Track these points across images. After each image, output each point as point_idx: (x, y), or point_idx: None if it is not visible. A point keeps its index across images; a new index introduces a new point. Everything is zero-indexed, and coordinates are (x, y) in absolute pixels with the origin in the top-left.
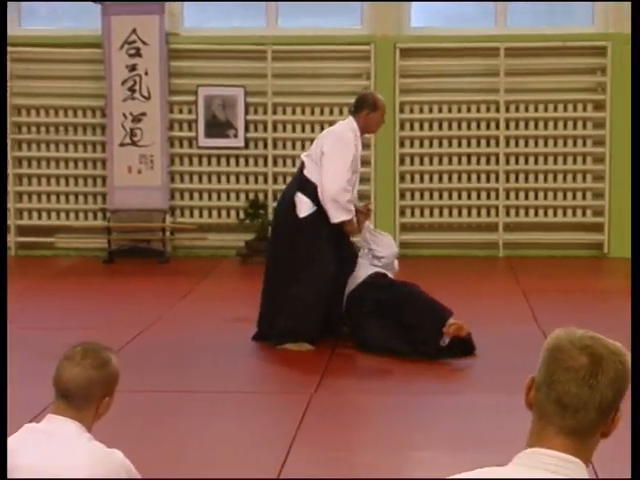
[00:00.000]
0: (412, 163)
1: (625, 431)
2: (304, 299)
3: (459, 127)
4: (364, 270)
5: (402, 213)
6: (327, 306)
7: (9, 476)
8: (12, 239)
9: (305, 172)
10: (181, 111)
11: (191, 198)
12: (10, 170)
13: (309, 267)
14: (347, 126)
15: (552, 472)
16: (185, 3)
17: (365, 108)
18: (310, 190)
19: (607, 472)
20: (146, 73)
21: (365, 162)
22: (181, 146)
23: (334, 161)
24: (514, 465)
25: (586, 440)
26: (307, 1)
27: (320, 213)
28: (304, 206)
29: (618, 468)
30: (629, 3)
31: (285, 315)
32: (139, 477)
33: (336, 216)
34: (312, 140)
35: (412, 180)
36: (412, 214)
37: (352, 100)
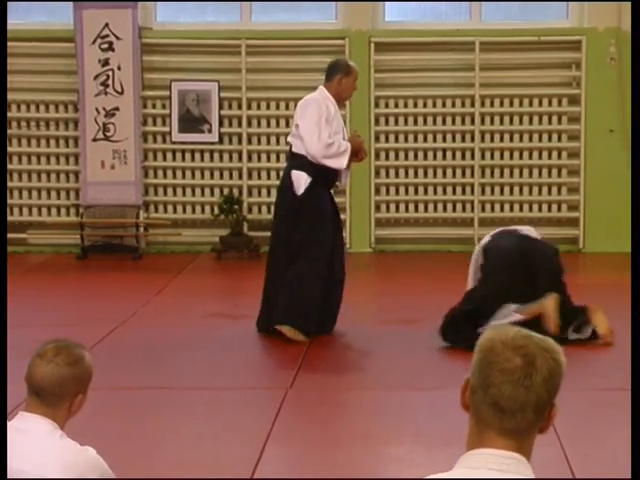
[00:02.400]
0: (387, 158)
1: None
2: (304, 278)
3: (434, 122)
4: None
5: (377, 208)
6: (326, 294)
7: None
8: None
9: (294, 149)
10: (154, 106)
11: (165, 193)
12: None
13: (310, 246)
14: (314, 94)
15: (499, 471)
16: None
17: (338, 73)
18: (302, 162)
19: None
20: (119, 68)
21: None
22: (155, 141)
23: (307, 124)
24: (459, 469)
25: (525, 438)
26: (280, 1)
27: (317, 183)
28: (301, 181)
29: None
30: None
31: (283, 294)
32: (112, 476)
33: (339, 164)
34: (287, 135)
35: (387, 175)
36: (387, 209)
37: None
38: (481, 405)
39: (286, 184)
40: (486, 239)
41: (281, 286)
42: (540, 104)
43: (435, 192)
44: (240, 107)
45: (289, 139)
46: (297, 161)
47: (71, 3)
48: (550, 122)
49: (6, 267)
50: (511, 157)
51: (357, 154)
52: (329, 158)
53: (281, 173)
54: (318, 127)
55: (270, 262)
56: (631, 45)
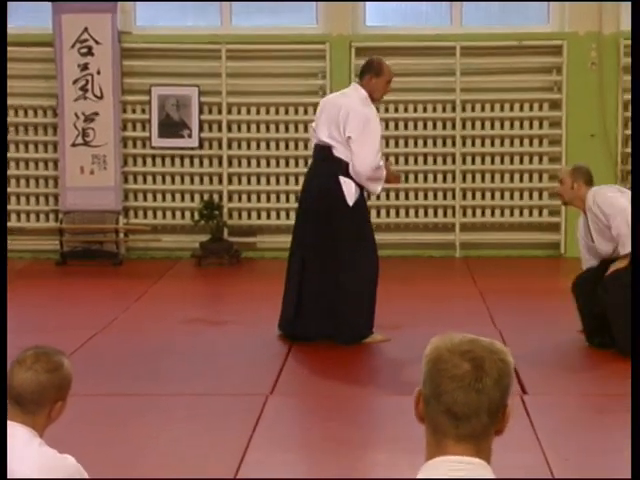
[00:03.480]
0: None
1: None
2: (365, 288)
3: (415, 127)
4: None
5: None
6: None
7: None
8: None
9: (335, 153)
10: (134, 111)
11: (145, 199)
12: None
13: (364, 254)
14: (359, 99)
15: (463, 475)
16: (138, 1)
17: (368, 73)
18: (346, 170)
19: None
20: (98, 72)
21: None
22: (134, 146)
23: (365, 144)
24: (421, 477)
25: (483, 442)
26: (260, 0)
27: (362, 193)
28: (351, 190)
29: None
30: (584, 2)
31: (350, 308)
32: None
33: (375, 189)
34: (267, 140)
35: None
36: None
37: (307, 100)
38: (436, 414)
39: (333, 190)
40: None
41: (322, 296)
42: (521, 109)
43: (416, 197)
44: (220, 112)
45: (326, 139)
46: (340, 167)
47: (50, 8)
48: (531, 127)
49: (6, 268)
50: (492, 162)
51: (394, 181)
52: (372, 181)
53: (261, 178)
54: (376, 149)
55: (299, 267)
56: (631, 46)
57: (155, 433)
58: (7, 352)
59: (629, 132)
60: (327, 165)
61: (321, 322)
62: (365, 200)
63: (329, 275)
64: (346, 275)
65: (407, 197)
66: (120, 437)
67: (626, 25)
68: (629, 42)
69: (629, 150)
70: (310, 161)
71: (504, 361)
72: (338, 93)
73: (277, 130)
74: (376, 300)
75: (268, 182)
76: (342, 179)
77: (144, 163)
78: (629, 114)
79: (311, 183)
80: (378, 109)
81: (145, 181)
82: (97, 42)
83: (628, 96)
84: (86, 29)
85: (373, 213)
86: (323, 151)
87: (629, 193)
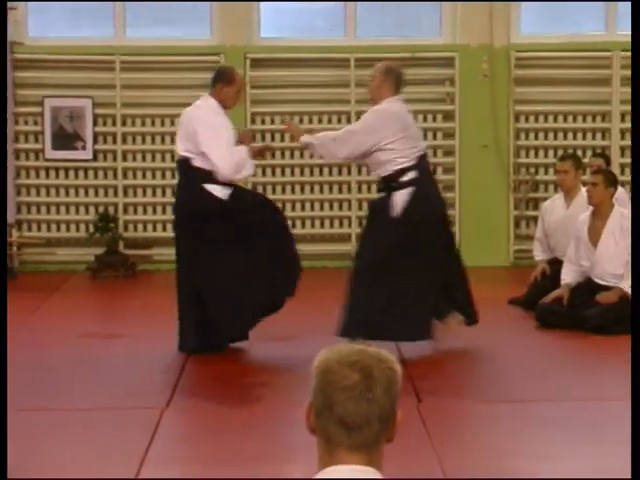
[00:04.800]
0: (264, 174)
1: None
2: (226, 294)
3: None
4: None
5: None
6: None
7: None
8: None
9: (194, 164)
10: (27, 123)
11: (38, 212)
12: None
13: (229, 260)
14: (209, 109)
15: None
16: (30, 10)
17: (220, 82)
18: (210, 177)
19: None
20: None
21: None
22: (27, 159)
23: (218, 149)
24: None
25: (374, 450)
26: (150, 1)
27: (238, 198)
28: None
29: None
30: (475, 15)
31: (215, 316)
32: None
33: (247, 173)
34: (163, 152)
35: (264, 191)
36: None
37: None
38: (328, 425)
39: (198, 200)
40: None
41: (206, 309)
42: (415, 120)
43: (312, 208)
44: (115, 124)
45: (183, 153)
46: (203, 176)
47: None
48: (425, 138)
49: (6, 268)
50: None
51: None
52: (239, 172)
53: (157, 190)
54: (226, 148)
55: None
56: (631, 48)
57: (44, 449)
58: (6, 352)
59: (520, 143)
60: (189, 176)
61: (197, 332)
62: (239, 206)
63: (195, 284)
64: (205, 282)
65: (303, 208)
66: (10, 454)
67: (516, 38)
68: (519, 54)
69: (520, 160)
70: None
71: (392, 369)
72: (192, 105)
73: (172, 142)
74: (252, 306)
75: (164, 194)
76: (207, 186)
77: (37, 175)
78: (520, 125)
79: (178, 196)
80: (273, 120)
81: (39, 194)
82: None
83: (518, 107)
84: None
85: None
86: (184, 163)
87: None
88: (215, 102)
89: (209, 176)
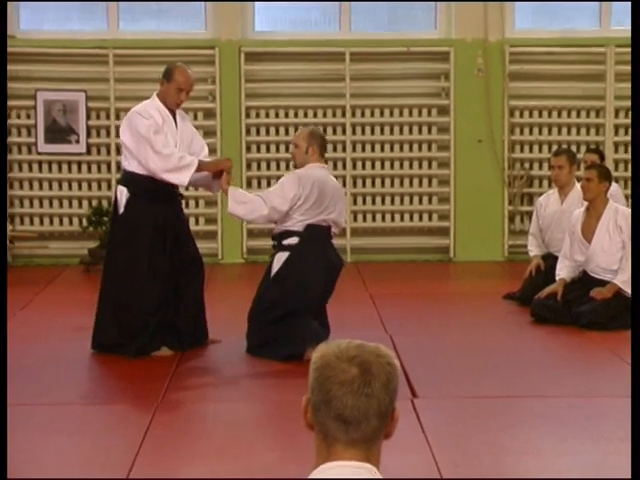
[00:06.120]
0: (259, 168)
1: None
2: (118, 299)
3: None
4: None
5: None
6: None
7: None
8: None
9: (124, 163)
10: (19, 116)
11: (31, 205)
12: None
13: (129, 263)
14: (142, 105)
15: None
16: (22, 3)
17: (162, 78)
18: (127, 179)
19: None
20: None
21: None
22: (20, 152)
23: (136, 146)
24: None
25: (372, 446)
26: (147, 1)
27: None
28: (122, 199)
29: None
30: (470, 10)
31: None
32: None
33: (182, 180)
34: None
35: (259, 185)
36: None
37: (196, 105)
38: (326, 420)
39: (115, 200)
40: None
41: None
42: (410, 114)
43: None
44: (108, 117)
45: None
46: (123, 177)
47: None
48: (420, 132)
49: (6, 269)
50: (382, 167)
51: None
52: (168, 172)
53: None
54: (150, 143)
55: None
56: (631, 48)
57: (39, 444)
58: (6, 352)
59: (515, 137)
60: (121, 177)
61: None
62: (150, 211)
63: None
64: (106, 285)
65: None
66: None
67: (510, 33)
68: (514, 49)
69: (515, 155)
70: None
71: (391, 364)
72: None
73: None
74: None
75: None
76: (119, 188)
77: (30, 169)
78: (514, 120)
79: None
80: (268, 114)
81: (32, 187)
82: None
83: (513, 102)
84: None
85: None
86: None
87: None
88: (157, 99)
89: (127, 177)
